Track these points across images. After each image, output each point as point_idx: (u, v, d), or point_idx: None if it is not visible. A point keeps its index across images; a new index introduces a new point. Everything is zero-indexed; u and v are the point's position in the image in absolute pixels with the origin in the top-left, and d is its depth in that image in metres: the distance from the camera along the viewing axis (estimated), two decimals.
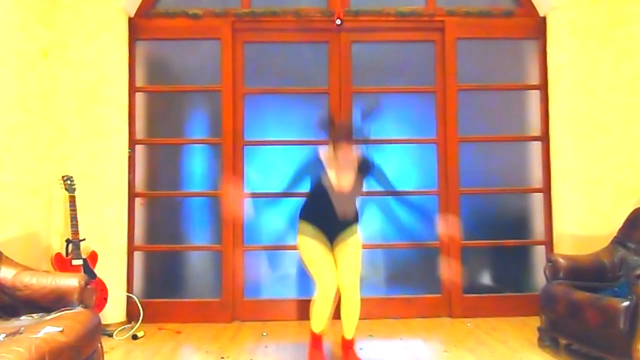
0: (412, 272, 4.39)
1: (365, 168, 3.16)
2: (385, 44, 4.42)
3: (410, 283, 4.38)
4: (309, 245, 3.15)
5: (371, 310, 4.10)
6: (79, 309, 2.61)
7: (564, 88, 4.16)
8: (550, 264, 3.41)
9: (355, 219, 3.25)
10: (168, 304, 4.18)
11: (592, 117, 4.14)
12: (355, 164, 3.13)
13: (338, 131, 3.09)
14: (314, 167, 3.14)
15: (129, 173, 4.17)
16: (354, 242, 3.20)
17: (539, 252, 4.32)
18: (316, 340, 3.23)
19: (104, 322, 3.29)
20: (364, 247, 4.22)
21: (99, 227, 3.94)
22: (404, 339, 3.62)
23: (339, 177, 3.11)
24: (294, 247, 4.14)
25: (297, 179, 3.17)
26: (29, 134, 3.65)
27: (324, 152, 3.14)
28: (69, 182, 3.77)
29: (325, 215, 3.15)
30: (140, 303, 4.02)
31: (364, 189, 3.24)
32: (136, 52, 4.28)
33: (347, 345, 3.26)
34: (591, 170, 4.12)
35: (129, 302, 4.06)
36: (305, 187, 3.20)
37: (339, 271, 3.14)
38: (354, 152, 3.10)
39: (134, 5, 4.22)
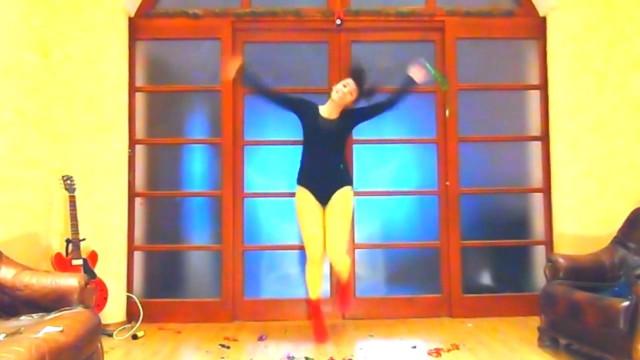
0: (412, 272, 4.39)
1: (351, 115, 3.57)
2: (385, 44, 4.42)
3: (410, 283, 4.38)
4: (300, 211, 3.54)
5: (371, 310, 4.11)
6: (79, 309, 2.61)
7: (564, 88, 4.16)
8: (550, 264, 3.41)
9: (345, 178, 3.56)
10: (168, 304, 4.18)
11: (592, 117, 4.14)
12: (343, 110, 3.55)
13: (352, 67, 3.62)
14: (308, 105, 3.57)
15: (129, 173, 4.16)
16: (343, 205, 3.50)
17: (539, 252, 4.32)
18: (315, 309, 3.60)
19: (104, 322, 3.28)
20: (364, 246, 4.27)
21: (99, 227, 3.94)
22: (404, 339, 3.62)
23: (329, 112, 3.52)
24: (294, 247, 4.18)
25: (289, 100, 3.62)
26: (28, 134, 3.65)
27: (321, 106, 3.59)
28: (69, 182, 3.77)
29: (315, 169, 3.51)
30: (140, 303, 4.02)
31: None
32: (136, 52, 4.27)
33: (344, 287, 3.71)
34: (591, 170, 4.12)
35: (129, 302, 4.06)
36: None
37: (327, 235, 3.50)
38: (345, 96, 3.47)
39: (134, 5, 4.21)
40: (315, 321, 3.61)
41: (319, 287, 3.60)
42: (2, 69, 3.37)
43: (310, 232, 3.51)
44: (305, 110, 3.59)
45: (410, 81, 3.62)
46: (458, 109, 4.30)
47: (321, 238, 3.51)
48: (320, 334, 3.56)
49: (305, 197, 3.52)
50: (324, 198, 3.52)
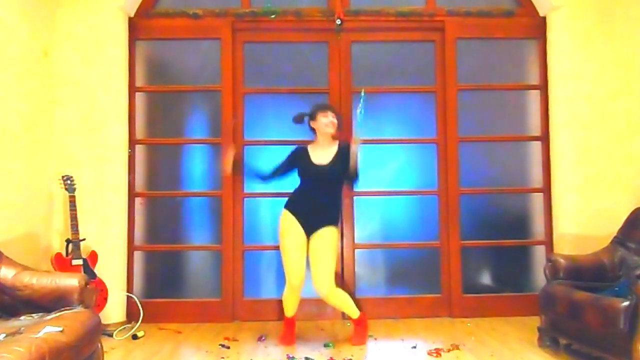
0: (412, 272, 4.39)
1: (344, 152, 3.44)
2: (385, 44, 4.42)
3: (410, 283, 4.38)
4: (283, 237, 3.48)
5: (371, 310, 4.10)
6: (79, 309, 2.61)
7: (564, 88, 4.16)
8: (550, 264, 3.40)
9: (331, 219, 3.50)
10: (168, 304, 4.19)
11: (592, 117, 4.15)
12: (334, 145, 3.53)
13: (319, 105, 3.63)
14: (299, 154, 3.54)
15: (129, 173, 4.17)
16: (328, 241, 3.45)
17: (539, 252, 4.32)
18: (288, 323, 3.60)
19: (104, 322, 3.28)
20: (364, 246, 4.27)
21: (99, 227, 3.94)
22: (404, 339, 3.62)
23: (319, 153, 3.50)
24: None
25: (283, 165, 3.58)
26: (28, 134, 3.66)
27: (310, 145, 3.58)
28: (69, 182, 3.77)
29: (306, 203, 3.47)
30: (140, 303, 4.02)
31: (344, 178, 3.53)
32: (136, 52, 4.28)
33: (355, 323, 3.57)
34: (591, 170, 4.12)
35: (129, 302, 4.06)
36: (292, 180, 3.60)
37: (312, 269, 3.46)
38: (335, 125, 3.51)
39: (134, 5, 4.22)
40: (285, 330, 3.60)
41: (293, 309, 3.58)
42: (2, 69, 3.37)
43: (291, 256, 3.44)
44: (298, 161, 3.56)
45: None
46: (458, 109, 4.31)
47: (302, 263, 3.44)
48: (287, 339, 3.55)
49: (290, 222, 3.46)
50: (309, 229, 3.46)
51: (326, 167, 3.47)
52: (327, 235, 3.45)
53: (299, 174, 3.57)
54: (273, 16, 4.01)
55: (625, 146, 4.11)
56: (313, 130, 3.58)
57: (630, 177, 4.08)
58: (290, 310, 3.59)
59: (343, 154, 3.44)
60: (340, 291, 3.50)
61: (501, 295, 4.29)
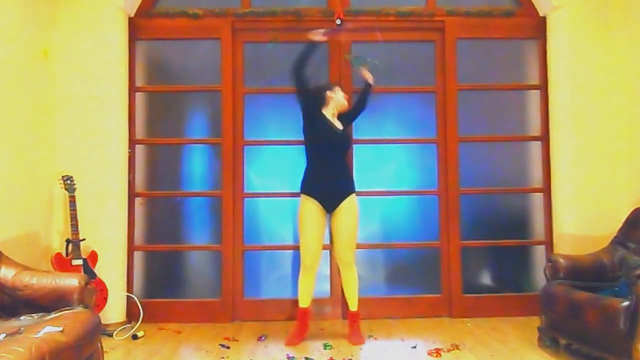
0: (412, 272, 4.39)
1: (342, 121, 3.68)
2: (385, 44, 4.42)
3: (410, 283, 4.38)
4: (303, 222, 3.53)
5: (371, 310, 4.10)
6: (79, 309, 2.61)
7: (564, 88, 4.16)
8: (550, 264, 3.41)
9: (350, 185, 3.62)
10: (168, 304, 4.18)
11: (592, 117, 4.15)
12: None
13: (332, 82, 3.89)
14: (319, 107, 3.58)
15: (129, 173, 4.17)
16: (349, 213, 3.54)
17: (539, 252, 4.32)
18: (302, 316, 3.60)
19: (104, 322, 3.29)
20: (364, 246, 4.26)
21: (99, 227, 3.94)
22: (404, 339, 3.62)
23: (333, 121, 3.62)
24: (294, 247, 4.18)
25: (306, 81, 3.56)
26: (28, 134, 3.66)
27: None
28: (69, 182, 3.77)
29: (322, 178, 3.52)
30: (140, 303, 4.02)
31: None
32: (136, 52, 4.28)
33: (352, 318, 3.61)
34: (591, 170, 4.12)
35: (129, 302, 4.06)
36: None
37: (335, 245, 3.58)
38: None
39: (134, 5, 4.22)
40: (298, 326, 3.60)
41: (309, 296, 3.60)
42: (2, 69, 3.37)
43: (309, 241, 3.51)
44: (318, 117, 3.59)
45: (367, 85, 3.81)
46: (458, 109, 4.31)
47: (318, 246, 3.53)
48: (294, 338, 3.55)
49: (309, 207, 3.52)
50: (331, 206, 3.54)
51: (343, 133, 3.63)
52: (350, 208, 3.54)
53: (316, 141, 3.57)
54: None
55: (625, 146, 4.11)
56: (322, 100, 3.62)
57: (630, 177, 4.08)
58: (303, 297, 3.59)
59: (343, 122, 3.68)
60: (356, 273, 3.61)
61: (501, 295, 4.29)
